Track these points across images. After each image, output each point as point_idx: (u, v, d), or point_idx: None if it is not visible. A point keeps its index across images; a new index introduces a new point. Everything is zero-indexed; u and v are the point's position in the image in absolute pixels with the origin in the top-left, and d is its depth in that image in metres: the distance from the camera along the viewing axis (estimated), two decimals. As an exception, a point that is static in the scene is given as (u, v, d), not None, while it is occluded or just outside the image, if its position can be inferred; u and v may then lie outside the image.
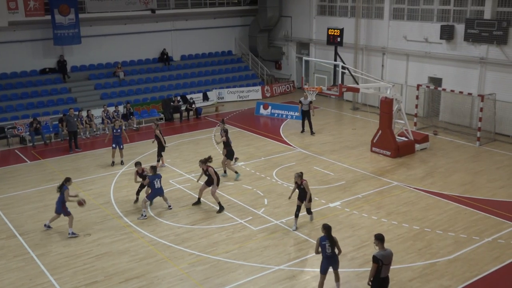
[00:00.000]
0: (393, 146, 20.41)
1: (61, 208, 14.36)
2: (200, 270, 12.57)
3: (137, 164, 16.17)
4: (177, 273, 12.49)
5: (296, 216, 14.47)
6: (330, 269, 11.13)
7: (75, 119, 22.58)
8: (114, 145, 19.99)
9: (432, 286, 11.78)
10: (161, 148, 19.53)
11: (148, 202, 15.89)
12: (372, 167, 19.51)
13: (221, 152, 19.24)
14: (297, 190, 14.53)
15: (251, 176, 18.53)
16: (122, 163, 20.25)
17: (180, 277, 12.30)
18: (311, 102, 23.19)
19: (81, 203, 14.43)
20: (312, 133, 23.55)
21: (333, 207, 15.94)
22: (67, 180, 14.46)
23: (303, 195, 14.33)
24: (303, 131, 23.82)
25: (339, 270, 11.26)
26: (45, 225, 14.86)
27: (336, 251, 10.90)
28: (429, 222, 14.92)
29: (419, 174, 18.77)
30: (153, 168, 15.63)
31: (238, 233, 14.41)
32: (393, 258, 10.19)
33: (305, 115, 23.56)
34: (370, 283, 10.09)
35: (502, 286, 11.97)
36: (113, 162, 20.14)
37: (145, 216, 15.40)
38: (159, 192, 15.65)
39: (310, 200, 14.46)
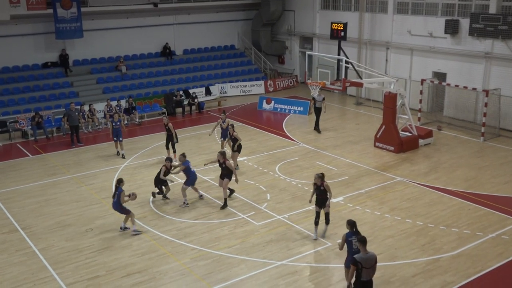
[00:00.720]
0: (396, 141, 20.36)
1: (120, 209, 14.18)
2: (202, 265, 12.58)
3: (168, 159, 16.16)
4: (179, 268, 12.50)
5: (316, 223, 13.52)
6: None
7: (77, 114, 22.60)
8: (115, 138, 20.42)
9: (435, 282, 11.76)
10: (172, 140, 19.73)
11: (188, 188, 15.91)
12: (376, 162, 19.48)
13: (222, 145, 19.18)
14: (315, 195, 13.52)
15: (253, 171, 18.51)
16: (123, 156, 20.32)
17: (182, 272, 12.31)
18: (324, 99, 22.96)
19: (133, 198, 14.25)
20: (318, 130, 23.21)
21: (335, 203, 15.91)
22: (120, 182, 14.15)
23: (323, 199, 13.36)
24: (316, 128, 23.39)
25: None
26: (121, 227, 14.48)
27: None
28: (432, 217, 14.90)
29: (422, 169, 18.73)
30: (184, 155, 15.86)
31: (241, 228, 14.40)
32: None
33: (318, 112, 23.20)
34: (349, 286, 9.93)
35: (506, 282, 11.94)
36: (118, 152, 20.59)
37: (187, 204, 15.74)
38: (196, 176, 15.93)
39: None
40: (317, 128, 23.32)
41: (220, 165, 15.63)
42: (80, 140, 22.47)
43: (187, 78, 31.05)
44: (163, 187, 16.22)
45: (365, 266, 9.60)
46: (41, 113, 23.65)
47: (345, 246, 10.66)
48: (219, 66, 33.01)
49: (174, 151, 19.75)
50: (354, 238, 10.46)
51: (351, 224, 10.70)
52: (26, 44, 27.68)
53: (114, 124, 20.33)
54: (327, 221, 13.70)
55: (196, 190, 16.34)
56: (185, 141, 22.39)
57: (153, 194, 16.38)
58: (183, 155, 15.95)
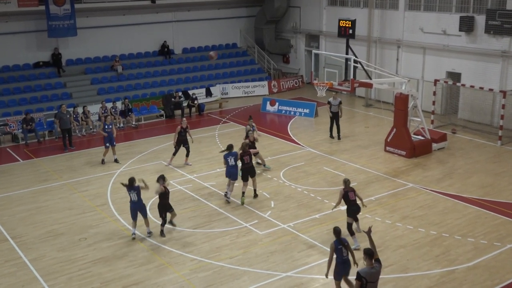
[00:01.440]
0: (408, 145, 20.33)
1: (144, 208, 14.41)
2: (202, 277, 12.56)
3: (160, 178, 14.51)
4: (178, 280, 12.48)
5: (352, 234, 13.59)
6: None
7: (68, 116, 22.62)
8: (107, 144, 20.17)
9: (450, 295, 11.72)
10: (187, 144, 19.93)
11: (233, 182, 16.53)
12: (386, 167, 19.45)
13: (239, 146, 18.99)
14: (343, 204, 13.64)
15: (256, 177, 18.47)
16: (116, 160, 20.34)
17: (181, 284, 12.30)
18: (340, 102, 22.48)
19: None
20: (339, 138, 22.65)
21: (344, 210, 15.83)
22: (133, 181, 14.10)
23: (355, 208, 13.52)
24: (331, 136, 22.84)
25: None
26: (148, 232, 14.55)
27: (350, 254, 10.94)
28: (447, 226, 14.85)
29: (436, 175, 18.69)
30: (230, 147, 16.49)
31: (243, 238, 14.39)
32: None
33: (334, 117, 22.54)
34: None
35: (525, 295, 11.89)
36: (103, 160, 20.33)
37: (229, 197, 16.45)
38: (234, 170, 16.39)
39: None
40: (338, 134, 22.65)
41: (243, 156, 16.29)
42: (72, 144, 22.50)
43: (186, 79, 31.10)
44: (168, 213, 14.65)
45: (370, 280, 9.51)
46: (32, 115, 23.69)
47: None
48: (220, 65, 33.06)
49: (187, 155, 20.02)
50: (341, 244, 10.77)
51: (338, 232, 10.95)
52: (17, 42, 27.77)
53: (106, 127, 20.16)
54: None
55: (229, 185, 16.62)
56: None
57: (162, 230, 14.67)
58: (230, 146, 16.46)
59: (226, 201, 16.52)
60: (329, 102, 22.65)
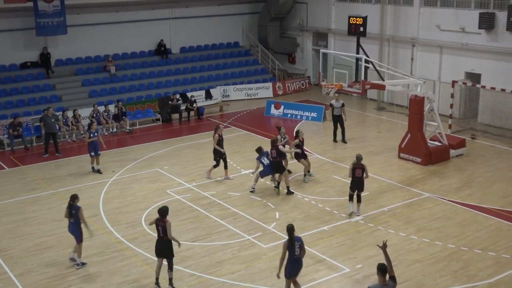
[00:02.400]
0: (424, 152, 20.34)
1: (78, 233, 13.59)
2: (202, 294, 12.58)
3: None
4: (175, 296, 12.51)
5: (350, 200, 16.25)
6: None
7: (53, 120, 22.58)
8: (92, 153, 20.02)
9: (470, 314, 11.71)
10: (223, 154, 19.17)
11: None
12: (400, 176, 19.45)
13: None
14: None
15: (260, 186, 18.52)
16: (99, 171, 20.18)
17: (179, 302, 12.32)
18: (343, 105, 22.69)
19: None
20: (344, 141, 22.98)
21: (354, 222, 15.89)
22: (75, 198, 13.57)
23: (356, 183, 15.93)
24: (335, 140, 23.17)
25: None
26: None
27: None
28: (466, 239, 14.84)
29: (454, 184, 18.69)
30: (260, 149, 17.98)
31: (246, 251, 14.40)
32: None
33: (337, 120, 22.84)
34: None
35: (551, 314, 11.86)
36: (93, 168, 20.28)
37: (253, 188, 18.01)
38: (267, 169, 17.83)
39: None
40: (343, 137, 22.99)
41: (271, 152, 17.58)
42: (59, 151, 22.49)
43: (184, 80, 31.19)
44: None
45: None
46: (19, 120, 23.74)
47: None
48: (221, 66, 33.16)
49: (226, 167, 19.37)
50: (297, 244, 11.38)
51: (289, 229, 11.45)
52: (3, 41, 27.90)
53: (91, 135, 19.88)
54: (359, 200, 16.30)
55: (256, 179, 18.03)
56: (182, 152, 22.47)
57: None
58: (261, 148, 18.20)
59: (276, 190, 17.94)
60: (331, 105, 22.83)
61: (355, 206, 16.22)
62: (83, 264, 13.76)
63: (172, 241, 12.42)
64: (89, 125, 20.53)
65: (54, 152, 22.46)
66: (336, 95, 21.94)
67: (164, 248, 12.49)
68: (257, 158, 17.89)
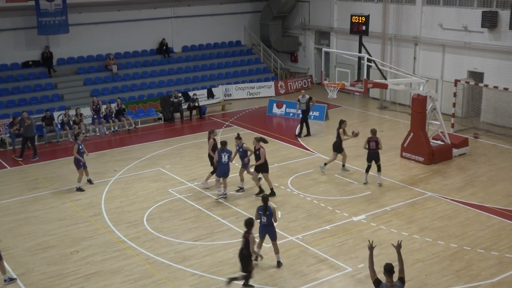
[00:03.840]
0: (426, 151, 20.32)
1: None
2: (204, 293, 12.59)
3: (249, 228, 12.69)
4: (177, 296, 12.53)
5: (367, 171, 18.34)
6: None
7: (30, 123, 21.94)
8: (82, 164, 18.54)
9: (472, 313, 11.70)
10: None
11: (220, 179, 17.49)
12: (402, 175, 19.44)
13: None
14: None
15: (262, 185, 18.50)
16: (90, 182, 19.09)
17: (181, 301, 12.33)
18: (310, 98, 23.92)
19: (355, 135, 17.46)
20: (309, 134, 24.04)
21: (357, 221, 15.88)
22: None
23: (371, 155, 18.05)
24: (299, 135, 24.07)
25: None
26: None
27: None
28: (468, 239, 14.82)
29: (457, 183, 18.67)
30: (224, 143, 17.37)
31: (248, 251, 14.40)
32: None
33: (304, 115, 24.00)
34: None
35: (554, 314, 11.84)
36: (89, 180, 19.21)
37: (225, 195, 17.56)
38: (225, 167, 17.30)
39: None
40: (308, 131, 24.03)
41: (254, 152, 17.44)
42: (37, 154, 22.01)
43: (186, 79, 31.20)
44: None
45: None
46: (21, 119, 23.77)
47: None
48: (223, 65, 33.15)
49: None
50: (262, 212, 13.09)
51: (264, 199, 13.34)
52: (5, 40, 27.92)
53: (80, 147, 18.40)
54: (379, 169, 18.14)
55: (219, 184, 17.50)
56: (184, 151, 22.47)
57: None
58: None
59: (223, 198, 17.43)
60: (298, 100, 23.99)
61: (374, 176, 18.21)
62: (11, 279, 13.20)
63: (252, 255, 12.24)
64: (76, 135, 19.18)
65: (30, 157, 21.80)
66: (303, 91, 23.90)
67: (241, 261, 12.22)
68: (218, 151, 17.24)
